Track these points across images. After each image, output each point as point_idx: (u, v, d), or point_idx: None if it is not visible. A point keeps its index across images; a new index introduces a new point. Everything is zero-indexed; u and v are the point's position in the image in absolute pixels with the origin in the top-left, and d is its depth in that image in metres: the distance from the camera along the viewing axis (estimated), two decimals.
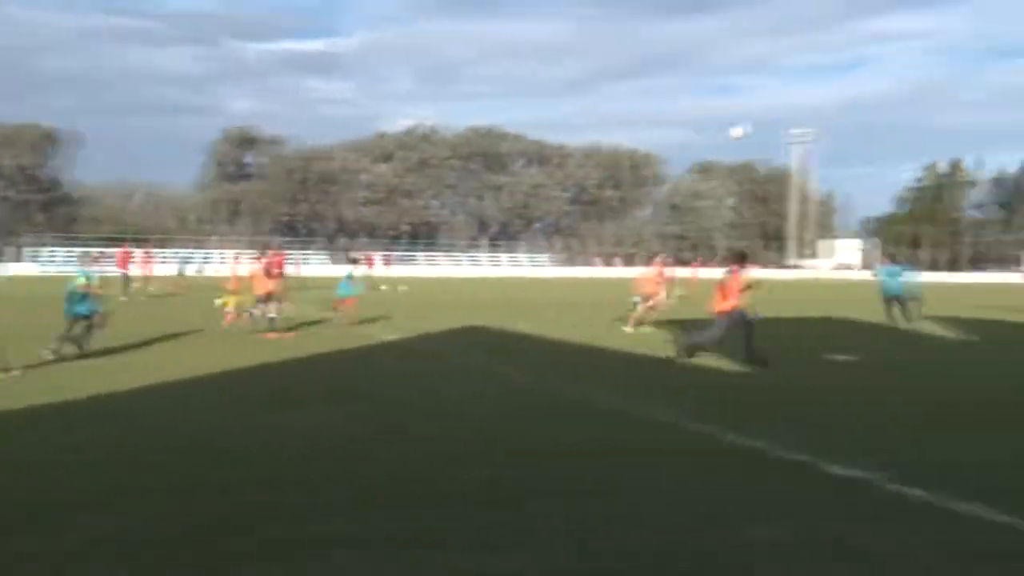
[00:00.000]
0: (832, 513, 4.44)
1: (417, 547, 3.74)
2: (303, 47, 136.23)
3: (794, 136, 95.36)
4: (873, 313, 18.08)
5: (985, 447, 6.07)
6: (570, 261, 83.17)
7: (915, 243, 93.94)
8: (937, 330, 15.97)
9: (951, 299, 26.62)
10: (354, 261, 17.37)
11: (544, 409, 7.18)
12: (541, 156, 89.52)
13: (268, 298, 13.13)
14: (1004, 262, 78.94)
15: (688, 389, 8.38)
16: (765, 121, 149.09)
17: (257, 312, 13.16)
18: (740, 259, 10.36)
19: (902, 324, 16.69)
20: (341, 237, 67.93)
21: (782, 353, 11.21)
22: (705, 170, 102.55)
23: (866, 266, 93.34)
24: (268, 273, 13.31)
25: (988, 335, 15.39)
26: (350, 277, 15.65)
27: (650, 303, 15.09)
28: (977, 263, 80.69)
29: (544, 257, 77.58)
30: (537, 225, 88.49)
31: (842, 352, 11.72)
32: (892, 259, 21.25)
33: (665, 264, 17.32)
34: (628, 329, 14.55)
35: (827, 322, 17.76)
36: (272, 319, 13.06)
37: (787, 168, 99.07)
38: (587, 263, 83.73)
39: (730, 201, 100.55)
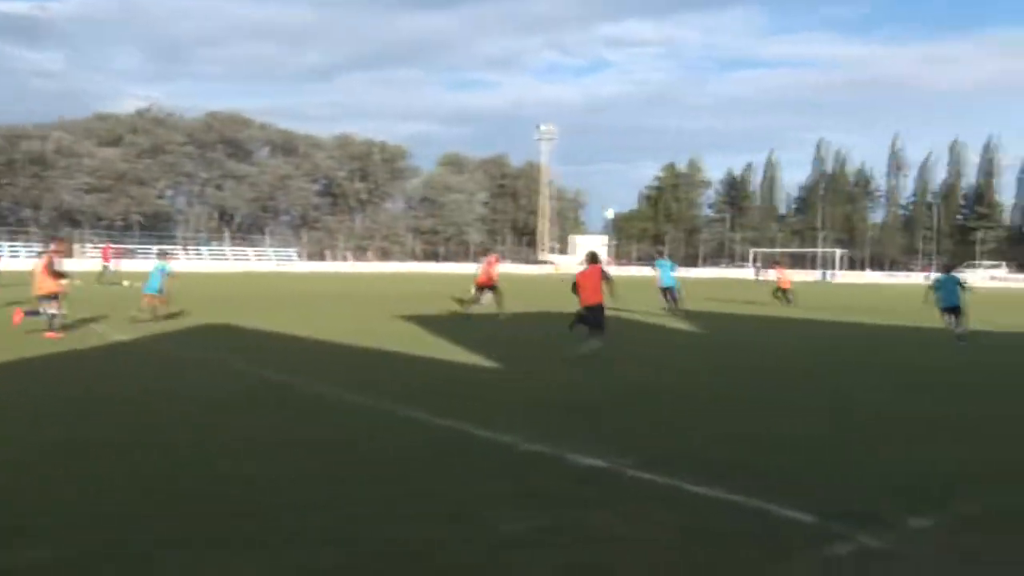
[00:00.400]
0: (576, 502, 4.58)
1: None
2: (5, 8, 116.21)
3: (542, 132, 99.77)
4: (632, 307, 19.72)
5: (719, 430, 6.57)
6: (318, 255, 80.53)
7: (658, 239, 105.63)
8: (685, 323, 17.34)
9: (694, 293, 29.13)
10: (164, 255, 15.42)
11: (280, 407, 7.07)
12: (287, 145, 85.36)
13: (50, 297, 12.21)
14: (734, 258, 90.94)
15: (437, 385, 8.46)
16: (513, 117, 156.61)
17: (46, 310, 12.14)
18: (593, 259, 11.40)
19: (674, 312, 19.11)
20: (63, 226, 59.11)
21: (531, 349, 11.72)
22: (455, 163, 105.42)
23: (619, 260, 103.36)
24: (49, 269, 12.32)
25: (724, 326, 16.92)
26: (161, 271, 14.90)
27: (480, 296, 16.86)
28: (712, 259, 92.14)
29: (291, 251, 74.16)
30: (284, 217, 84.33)
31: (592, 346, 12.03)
32: (661, 255, 24.81)
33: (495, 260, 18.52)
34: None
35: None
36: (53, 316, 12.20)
37: (536, 164, 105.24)
38: (337, 257, 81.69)
39: (482, 195, 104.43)
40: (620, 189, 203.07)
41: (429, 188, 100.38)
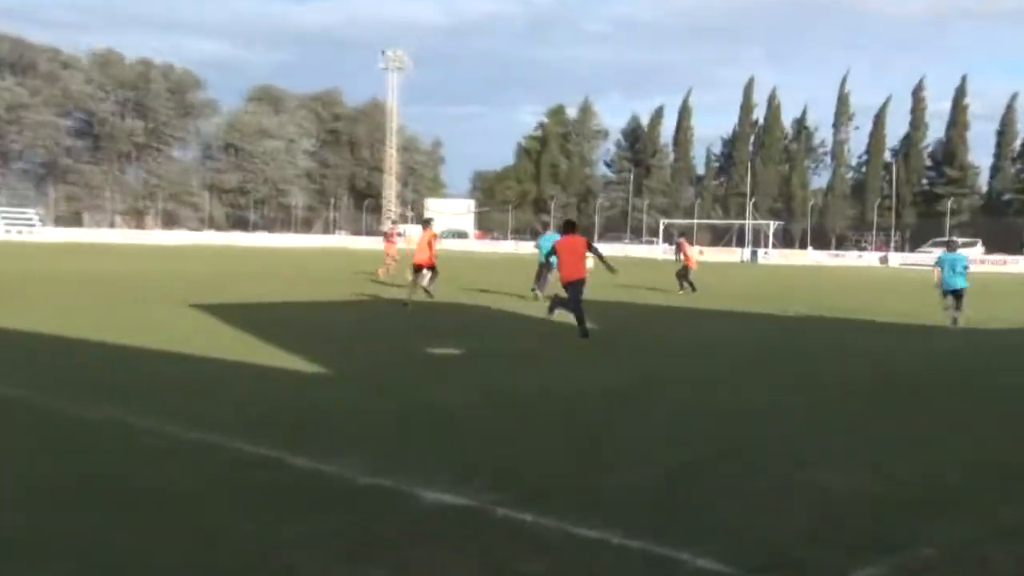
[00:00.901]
0: (426, 551, 4.66)
1: None
2: None
3: (389, 61, 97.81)
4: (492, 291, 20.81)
5: (616, 454, 6.82)
6: (73, 219, 76.29)
7: (540, 206, 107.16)
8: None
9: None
10: None
11: (19, 433, 6.93)
12: (23, 62, 79.72)
13: None
14: (641, 232, 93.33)
15: (244, 397, 8.48)
16: (349, 40, 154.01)
17: None
18: (571, 227, 14.06)
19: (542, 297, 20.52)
20: None
21: (376, 345, 12.31)
22: (269, 99, 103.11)
23: (485, 232, 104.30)
24: None
25: (617, 318, 17.65)
26: None
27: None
28: (612, 233, 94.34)
29: (30, 213, 69.33)
30: (19, 165, 78.68)
31: (448, 342, 12.64)
32: (548, 228, 24.98)
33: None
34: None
35: (433, 308, 18.95)
36: None
37: (381, 103, 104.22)
38: (102, 223, 77.78)
39: (307, 144, 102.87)
40: (491, 139, 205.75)
41: (234, 132, 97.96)
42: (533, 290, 21.93)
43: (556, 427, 7.57)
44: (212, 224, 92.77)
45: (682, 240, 28.28)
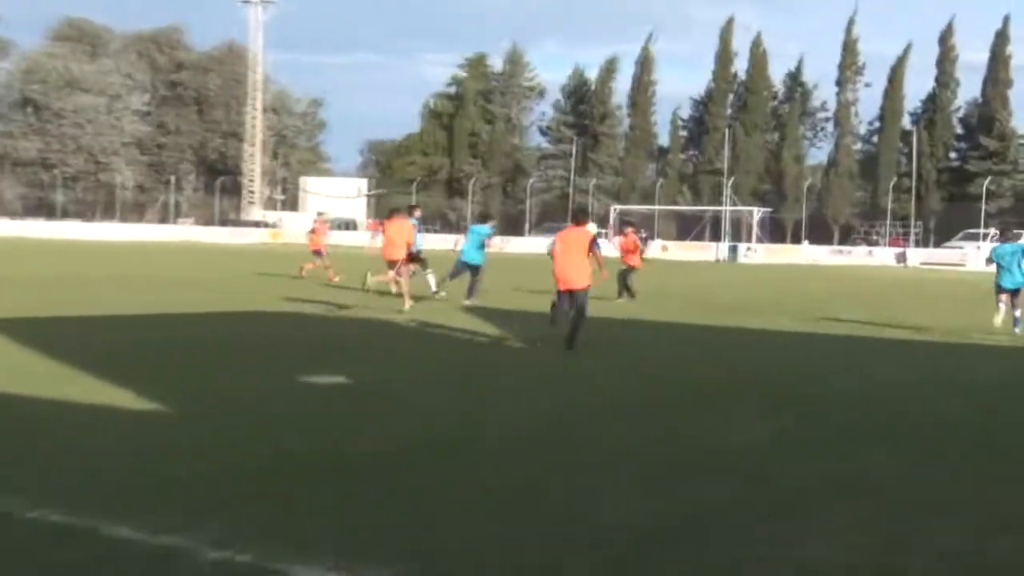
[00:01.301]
0: None
1: None
2: None
3: None
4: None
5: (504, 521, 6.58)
6: None
7: (454, 188, 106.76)
8: (482, 323, 18.90)
9: (508, 283, 30.76)
10: None
11: None
12: None
13: None
14: (586, 219, 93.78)
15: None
16: None
17: None
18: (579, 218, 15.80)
19: (469, 302, 22.47)
20: None
21: (239, 375, 12.42)
22: (82, 37, 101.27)
23: (381, 222, 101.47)
24: None
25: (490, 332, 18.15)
26: None
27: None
28: (551, 222, 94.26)
29: None
30: None
31: (336, 367, 12.77)
32: (484, 219, 28.20)
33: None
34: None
35: (324, 321, 19.33)
36: None
37: (240, 49, 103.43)
38: None
39: (139, 100, 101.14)
40: (389, 98, 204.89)
41: (31, 83, 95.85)
42: (435, 292, 23.94)
43: (472, 488, 7.41)
44: (2, 209, 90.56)
45: (629, 231, 28.52)
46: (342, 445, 8.58)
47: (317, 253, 31.97)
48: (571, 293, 14.92)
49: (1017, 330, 18.63)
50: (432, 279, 24.45)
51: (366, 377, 12.17)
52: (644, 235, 30.80)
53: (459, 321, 19.08)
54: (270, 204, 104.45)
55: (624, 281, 26.38)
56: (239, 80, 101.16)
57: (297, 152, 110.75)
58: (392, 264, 21.43)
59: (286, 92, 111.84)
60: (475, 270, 23.59)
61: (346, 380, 11.91)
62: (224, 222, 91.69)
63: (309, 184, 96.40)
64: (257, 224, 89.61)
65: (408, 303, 20.80)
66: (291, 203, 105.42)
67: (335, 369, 12.46)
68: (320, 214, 36.24)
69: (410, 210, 23.83)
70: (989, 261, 19.08)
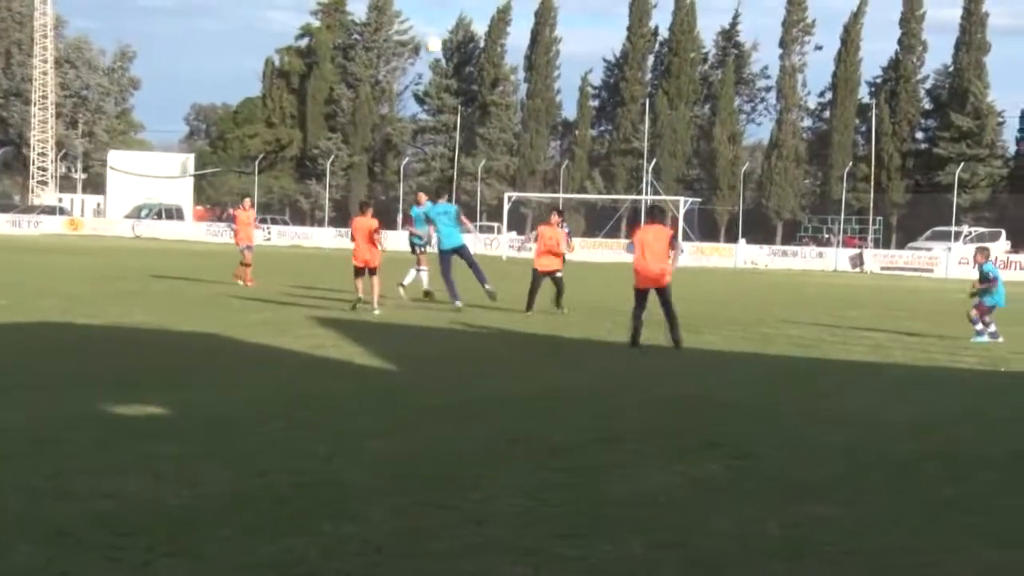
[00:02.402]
0: None
1: None
2: None
3: None
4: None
5: None
6: None
7: (306, 168, 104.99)
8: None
9: None
10: None
11: None
12: None
13: None
14: (470, 212, 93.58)
15: None
16: None
17: None
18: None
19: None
20: None
21: (35, 400, 12.52)
22: None
23: (212, 210, 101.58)
24: None
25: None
26: None
27: None
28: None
29: None
30: None
31: (156, 392, 13.00)
32: (438, 194, 29.80)
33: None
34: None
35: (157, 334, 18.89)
36: None
37: None
38: None
39: None
40: (221, 52, 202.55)
41: None
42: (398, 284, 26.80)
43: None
44: None
45: (554, 218, 28.11)
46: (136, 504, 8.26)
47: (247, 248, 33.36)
48: (657, 290, 18.96)
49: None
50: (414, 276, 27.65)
51: (190, 407, 11.95)
52: (568, 228, 31.05)
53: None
54: (67, 185, 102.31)
55: (535, 289, 26.05)
56: (21, 22, 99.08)
57: (101, 118, 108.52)
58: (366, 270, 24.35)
59: (85, 40, 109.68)
60: (465, 252, 26.43)
61: (164, 411, 11.68)
62: (6, 208, 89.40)
63: (118, 160, 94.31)
64: (52, 211, 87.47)
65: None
66: (94, 184, 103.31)
67: (158, 394, 12.25)
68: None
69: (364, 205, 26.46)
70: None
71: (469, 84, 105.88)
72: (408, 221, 35.12)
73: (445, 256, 25.89)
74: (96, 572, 6.62)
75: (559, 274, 26.01)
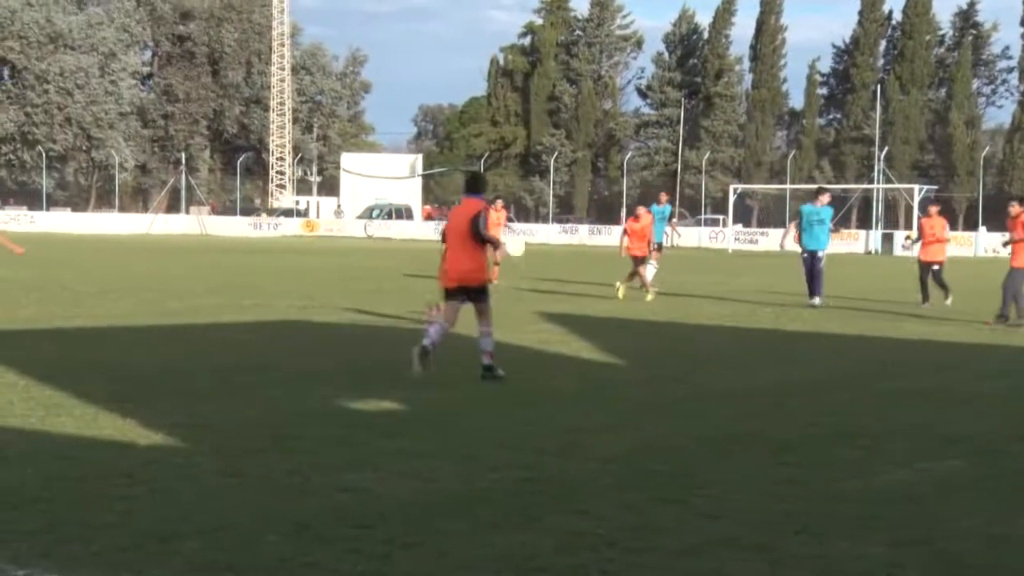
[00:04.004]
0: None
1: None
2: None
3: None
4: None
5: None
6: None
7: (530, 165, 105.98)
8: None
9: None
10: None
11: None
12: None
13: None
14: (694, 206, 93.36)
15: None
16: None
17: None
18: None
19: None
20: None
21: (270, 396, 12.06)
22: None
23: (439, 209, 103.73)
24: None
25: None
26: None
27: None
28: (650, 203, 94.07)
29: None
30: None
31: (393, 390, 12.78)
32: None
33: None
34: None
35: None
36: None
37: None
38: None
39: (136, 59, 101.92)
40: (447, 53, 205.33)
41: (4, 37, 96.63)
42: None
43: None
44: None
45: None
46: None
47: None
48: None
49: None
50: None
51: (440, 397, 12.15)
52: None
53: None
54: (303, 187, 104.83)
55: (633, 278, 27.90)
56: (260, 32, 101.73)
57: (335, 122, 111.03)
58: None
59: (320, 47, 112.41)
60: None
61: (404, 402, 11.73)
62: (247, 211, 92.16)
63: (350, 162, 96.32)
64: (288, 212, 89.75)
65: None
66: (328, 186, 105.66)
67: (379, 393, 12.36)
68: (498, 198, 38.27)
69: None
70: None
71: (692, 76, 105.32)
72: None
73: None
74: (341, 563, 6.81)
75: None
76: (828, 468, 9.45)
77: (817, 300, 25.09)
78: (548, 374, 14.74)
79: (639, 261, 26.63)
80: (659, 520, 7.83)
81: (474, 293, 13.86)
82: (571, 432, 11.06)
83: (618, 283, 27.04)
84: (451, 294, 13.96)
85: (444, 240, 14.12)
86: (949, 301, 26.05)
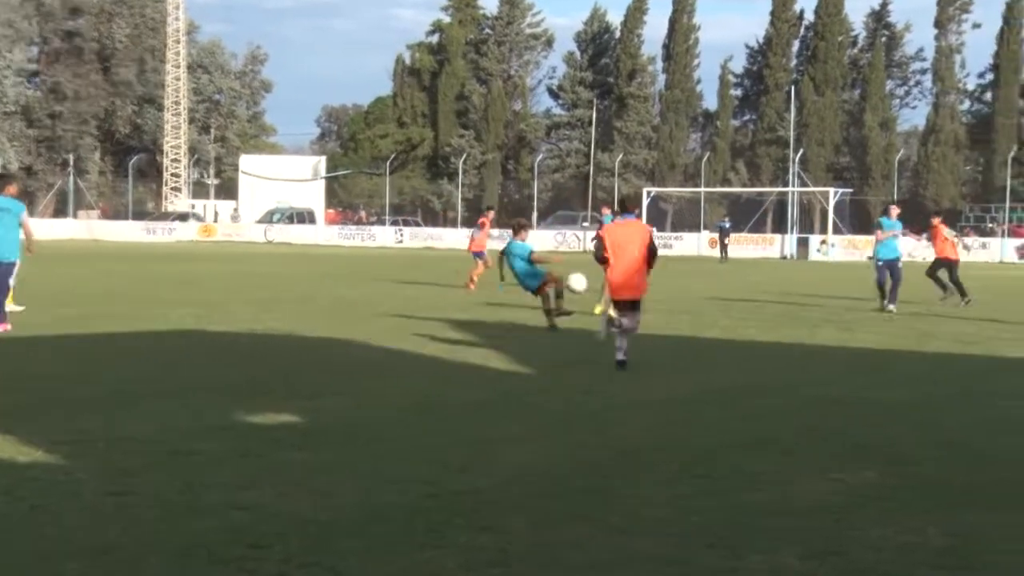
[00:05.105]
0: None
1: None
2: None
3: None
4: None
5: None
6: None
7: (438, 168, 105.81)
8: None
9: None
10: None
11: None
12: None
13: None
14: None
15: None
16: None
17: None
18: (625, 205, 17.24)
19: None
20: None
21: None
22: None
23: (344, 213, 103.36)
24: None
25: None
26: None
27: None
28: (562, 209, 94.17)
29: None
30: None
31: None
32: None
33: None
34: None
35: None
36: None
37: None
38: None
39: (22, 55, 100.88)
40: (352, 51, 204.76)
41: None
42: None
43: None
44: None
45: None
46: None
47: (479, 255, 34.09)
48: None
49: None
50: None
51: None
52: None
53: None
54: (200, 191, 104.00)
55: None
56: (155, 28, 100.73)
57: (234, 123, 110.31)
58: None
59: (218, 44, 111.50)
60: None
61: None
62: (139, 214, 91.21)
63: (249, 164, 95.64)
64: (184, 217, 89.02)
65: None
66: (226, 189, 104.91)
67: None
68: (489, 208, 40.31)
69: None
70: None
71: (605, 76, 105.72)
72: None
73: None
74: None
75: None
76: (743, 478, 9.51)
77: (893, 307, 26.70)
78: (454, 384, 14.71)
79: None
80: (568, 535, 7.82)
81: (636, 303, 16.22)
82: (477, 444, 11.08)
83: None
84: (622, 304, 16.10)
85: (605, 253, 16.22)
86: (966, 301, 28.67)
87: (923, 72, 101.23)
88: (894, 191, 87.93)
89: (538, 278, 22.40)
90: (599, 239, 17.25)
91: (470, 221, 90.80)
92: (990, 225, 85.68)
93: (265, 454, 10.19)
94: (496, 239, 38.45)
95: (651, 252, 16.13)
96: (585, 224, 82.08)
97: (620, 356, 15.79)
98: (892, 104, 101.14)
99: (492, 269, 30.31)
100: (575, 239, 75.83)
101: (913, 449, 11.02)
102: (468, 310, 25.15)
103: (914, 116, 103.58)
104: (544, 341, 20.13)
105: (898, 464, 10.38)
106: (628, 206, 17.00)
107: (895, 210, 28.84)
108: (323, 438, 11.05)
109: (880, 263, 27.57)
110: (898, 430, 11.99)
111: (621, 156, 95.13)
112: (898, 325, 23.40)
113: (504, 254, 23.29)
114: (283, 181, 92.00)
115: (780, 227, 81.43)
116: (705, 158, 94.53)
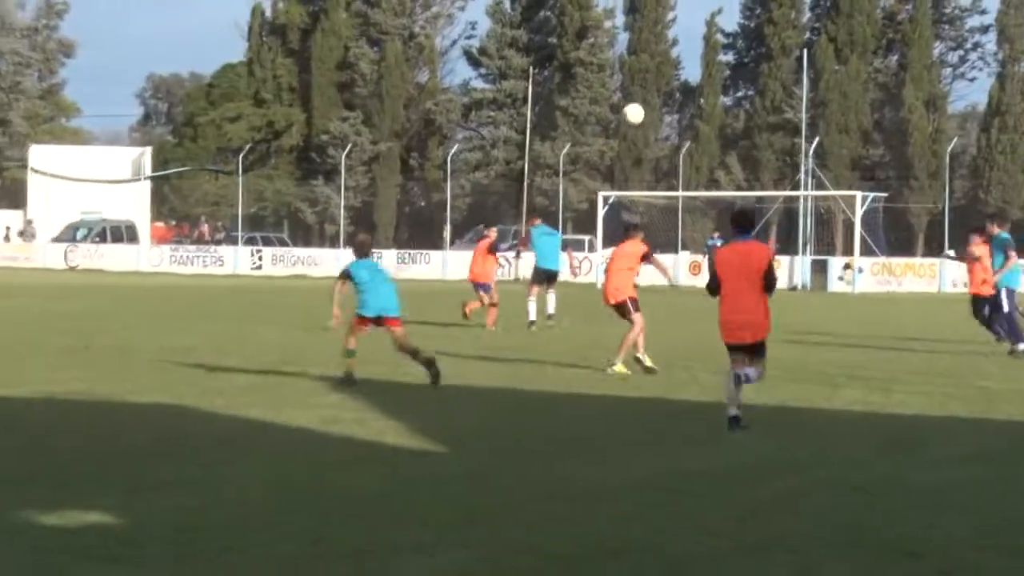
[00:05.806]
0: None
1: None
2: None
3: None
4: None
5: None
6: None
7: (311, 162, 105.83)
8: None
9: None
10: None
11: None
12: None
13: None
14: (551, 218, 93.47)
15: None
16: None
17: None
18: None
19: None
20: None
21: None
22: None
23: (176, 228, 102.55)
24: None
25: None
26: None
27: None
28: (486, 218, 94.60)
29: None
30: None
31: None
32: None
33: None
34: None
35: None
36: None
37: None
38: None
39: None
40: (192, 2, 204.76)
41: None
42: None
43: None
44: None
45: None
46: None
47: (481, 286, 36.39)
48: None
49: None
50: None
51: None
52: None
53: None
54: None
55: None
56: None
57: (20, 100, 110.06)
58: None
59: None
60: (554, 278, 35.44)
61: None
62: None
63: (43, 158, 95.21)
64: None
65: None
66: (10, 193, 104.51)
67: None
68: (488, 228, 43.45)
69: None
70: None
71: (544, 36, 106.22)
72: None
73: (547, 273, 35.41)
74: None
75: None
76: None
77: (1022, 346, 28.38)
78: (336, 468, 14.79)
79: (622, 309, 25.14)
80: None
81: (756, 347, 17.23)
82: (366, 555, 11.03)
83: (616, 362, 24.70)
84: (736, 348, 17.17)
85: (718, 284, 17.38)
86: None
87: (984, 30, 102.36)
88: (945, 195, 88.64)
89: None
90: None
91: (355, 238, 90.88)
92: None
93: (66, 570, 10.12)
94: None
95: (768, 282, 17.22)
96: (513, 241, 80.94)
97: (733, 411, 16.80)
98: (942, 75, 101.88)
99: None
100: (504, 263, 75.73)
101: (968, 550, 11.04)
102: (360, 363, 24.91)
103: (972, 92, 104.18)
104: (458, 404, 20.32)
105: (950, 571, 10.41)
106: (743, 223, 17.99)
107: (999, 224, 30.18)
108: (150, 547, 10.97)
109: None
110: (947, 525, 12.03)
111: (568, 147, 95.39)
112: (955, 380, 23.68)
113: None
114: (91, 182, 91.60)
115: (788, 246, 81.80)
116: (684, 150, 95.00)
